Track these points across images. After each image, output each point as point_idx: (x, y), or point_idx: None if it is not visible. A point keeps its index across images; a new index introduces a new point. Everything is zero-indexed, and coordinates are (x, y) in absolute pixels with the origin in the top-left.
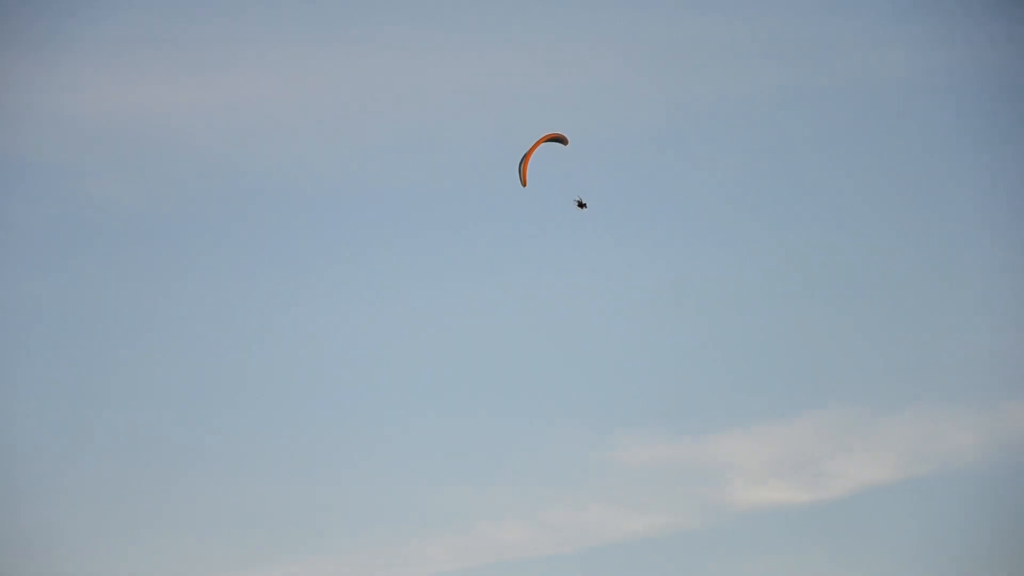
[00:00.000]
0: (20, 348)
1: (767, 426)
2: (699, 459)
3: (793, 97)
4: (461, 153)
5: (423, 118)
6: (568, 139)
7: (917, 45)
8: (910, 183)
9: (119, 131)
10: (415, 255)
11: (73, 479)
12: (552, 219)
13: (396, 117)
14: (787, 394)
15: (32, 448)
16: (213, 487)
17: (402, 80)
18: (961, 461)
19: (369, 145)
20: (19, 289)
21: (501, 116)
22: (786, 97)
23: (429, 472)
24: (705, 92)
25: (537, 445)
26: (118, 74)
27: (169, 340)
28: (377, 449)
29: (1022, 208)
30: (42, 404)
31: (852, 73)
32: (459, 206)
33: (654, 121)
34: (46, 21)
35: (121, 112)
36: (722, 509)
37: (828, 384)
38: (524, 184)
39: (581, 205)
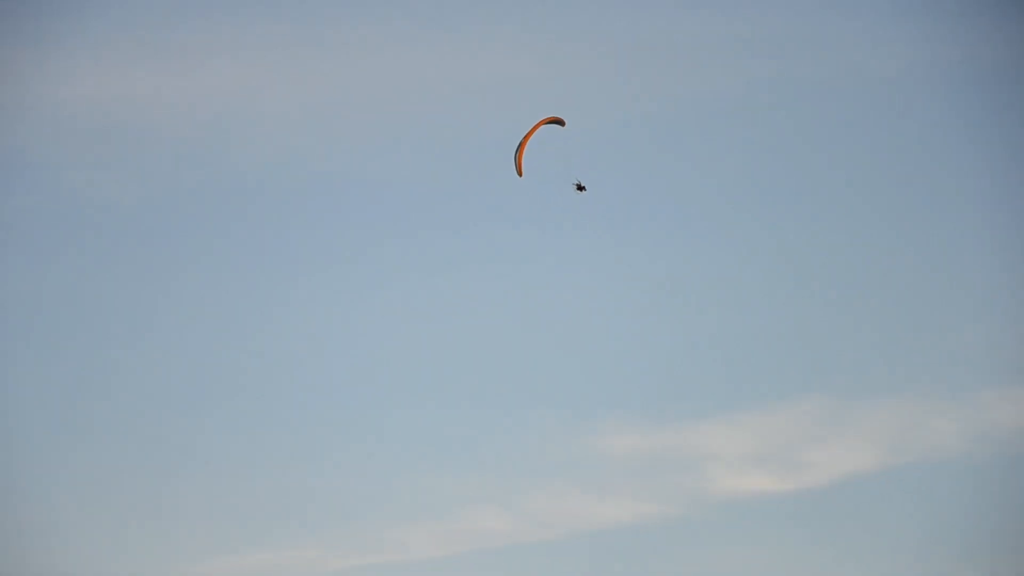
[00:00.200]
0: (7, 342)
1: (748, 415)
2: (680, 448)
3: (786, 92)
4: (452, 145)
5: (416, 111)
6: (564, 120)
7: (913, 41)
8: (895, 175)
9: (107, 124)
10: (397, 247)
11: (62, 471)
12: (536, 209)
13: (388, 110)
14: (769, 383)
15: (24, 439)
16: (194, 476)
17: (394, 73)
18: (941, 450)
19: (361, 138)
20: (5, 283)
21: (494, 110)
22: (779, 92)
23: (410, 459)
24: (699, 87)
25: (518, 433)
26: (106, 67)
27: (156, 332)
28: (359, 436)
29: (1003, 200)
30: (30, 397)
31: (847, 68)
32: (443, 198)
33: (646, 115)
34: (33, 15)
35: (109, 105)
36: (703, 498)
37: (809, 374)
38: (520, 174)
39: (580, 188)
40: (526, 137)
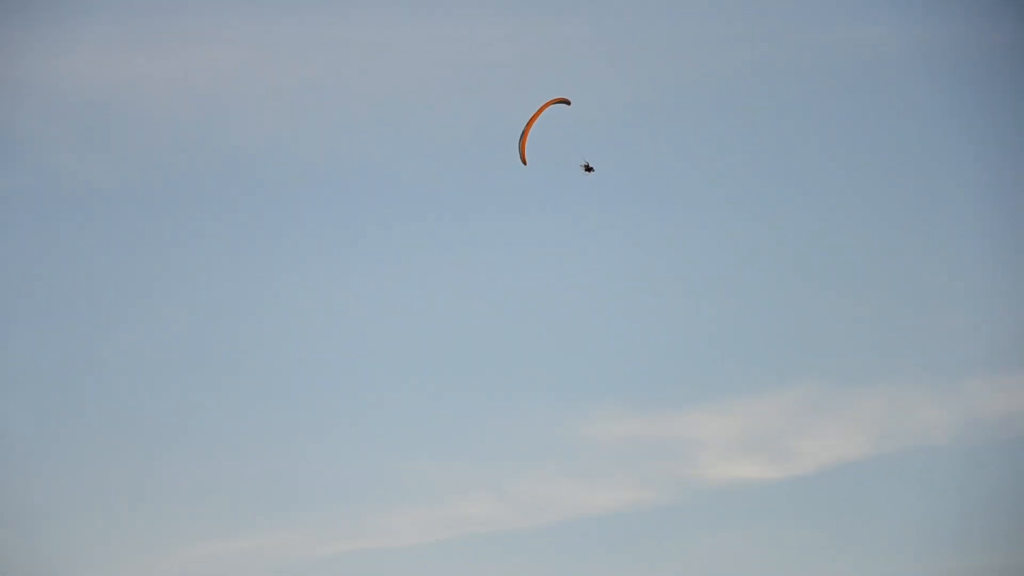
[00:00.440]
0: None
1: (738, 402)
2: (669, 435)
3: (773, 75)
4: (445, 133)
5: (411, 98)
6: (569, 100)
7: (903, 22)
8: (885, 163)
9: (98, 107)
10: (387, 235)
11: (47, 455)
12: (526, 198)
13: (383, 97)
14: (759, 370)
15: (10, 424)
16: (181, 460)
17: (389, 60)
18: (931, 437)
19: (355, 125)
20: None
21: (489, 97)
22: (766, 75)
23: (399, 445)
24: (687, 70)
25: (508, 419)
26: (98, 50)
27: (146, 316)
28: (349, 422)
29: (994, 188)
30: (18, 381)
31: (841, 54)
32: (431, 186)
33: (635, 102)
34: None
35: (100, 88)
36: (692, 485)
37: (799, 361)
38: (524, 163)
39: (588, 169)
40: (529, 124)
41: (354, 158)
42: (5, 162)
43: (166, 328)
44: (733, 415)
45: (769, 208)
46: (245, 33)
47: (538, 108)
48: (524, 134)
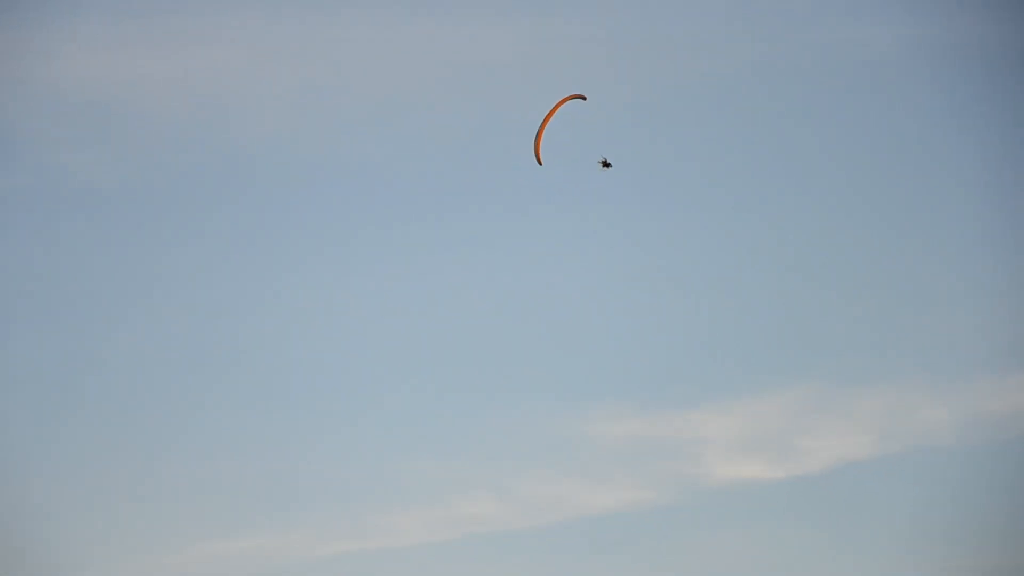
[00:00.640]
0: None
1: (740, 402)
2: (673, 434)
3: (773, 74)
4: (446, 131)
5: (412, 96)
6: (584, 95)
7: (906, 22)
8: (888, 162)
9: (98, 106)
10: (389, 234)
11: (46, 455)
12: (528, 197)
13: (384, 95)
14: (761, 369)
15: (8, 423)
16: (181, 460)
17: (390, 58)
18: (935, 437)
19: (356, 124)
20: None
21: (491, 95)
22: (766, 74)
23: (401, 445)
24: (688, 69)
25: (511, 419)
26: (98, 48)
27: (145, 316)
28: (349, 422)
29: (994, 187)
30: (17, 380)
31: (841, 50)
32: (434, 185)
33: (636, 100)
34: None
35: (100, 87)
36: (696, 484)
37: (803, 360)
38: (540, 163)
39: (606, 165)
40: (543, 123)
41: (356, 157)
42: (6, 161)
43: (167, 327)
44: (736, 415)
45: (771, 208)
46: (246, 32)
47: (553, 106)
48: (539, 134)
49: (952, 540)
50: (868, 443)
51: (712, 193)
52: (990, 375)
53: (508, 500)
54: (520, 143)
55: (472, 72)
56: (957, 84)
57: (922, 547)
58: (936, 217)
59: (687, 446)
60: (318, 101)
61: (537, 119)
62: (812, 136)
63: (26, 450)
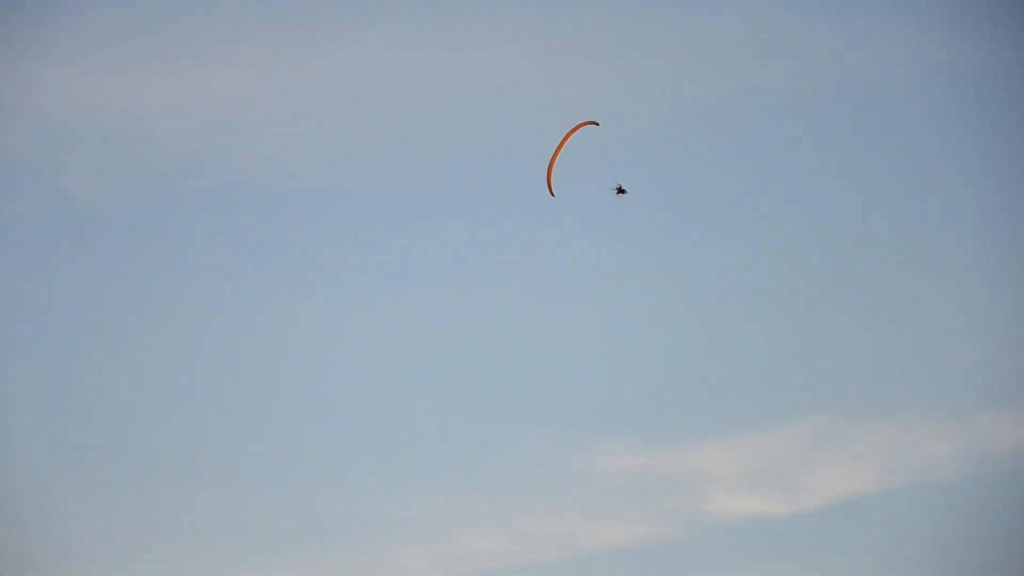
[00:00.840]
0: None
1: (744, 436)
2: (676, 469)
3: (792, 96)
4: (450, 154)
5: (414, 119)
6: (597, 121)
7: (919, 44)
8: (898, 195)
9: (94, 128)
10: (391, 261)
11: (50, 490)
12: (531, 225)
13: (386, 117)
14: (765, 404)
15: (15, 452)
16: (184, 495)
17: (392, 79)
18: (939, 471)
19: (353, 142)
20: None
21: (494, 116)
22: (784, 96)
23: (405, 480)
24: (703, 90)
25: (515, 454)
26: (92, 70)
27: (148, 340)
28: (352, 456)
29: (1004, 220)
30: (22, 409)
31: (855, 72)
32: (437, 211)
33: (649, 119)
34: (17, 15)
35: (96, 108)
36: (699, 519)
37: (806, 395)
38: (552, 194)
39: (621, 191)
40: (556, 151)
41: (360, 182)
42: (7, 187)
43: (169, 354)
44: (739, 450)
45: (777, 244)
46: (248, 57)
47: (565, 135)
48: (551, 164)
49: (957, 575)
50: (871, 478)
51: (718, 227)
52: (994, 410)
53: (513, 535)
54: (527, 168)
55: (478, 96)
56: (973, 109)
57: None
58: (943, 252)
59: (691, 481)
60: (321, 125)
61: (545, 143)
62: (820, 170)
63: (28, 485)
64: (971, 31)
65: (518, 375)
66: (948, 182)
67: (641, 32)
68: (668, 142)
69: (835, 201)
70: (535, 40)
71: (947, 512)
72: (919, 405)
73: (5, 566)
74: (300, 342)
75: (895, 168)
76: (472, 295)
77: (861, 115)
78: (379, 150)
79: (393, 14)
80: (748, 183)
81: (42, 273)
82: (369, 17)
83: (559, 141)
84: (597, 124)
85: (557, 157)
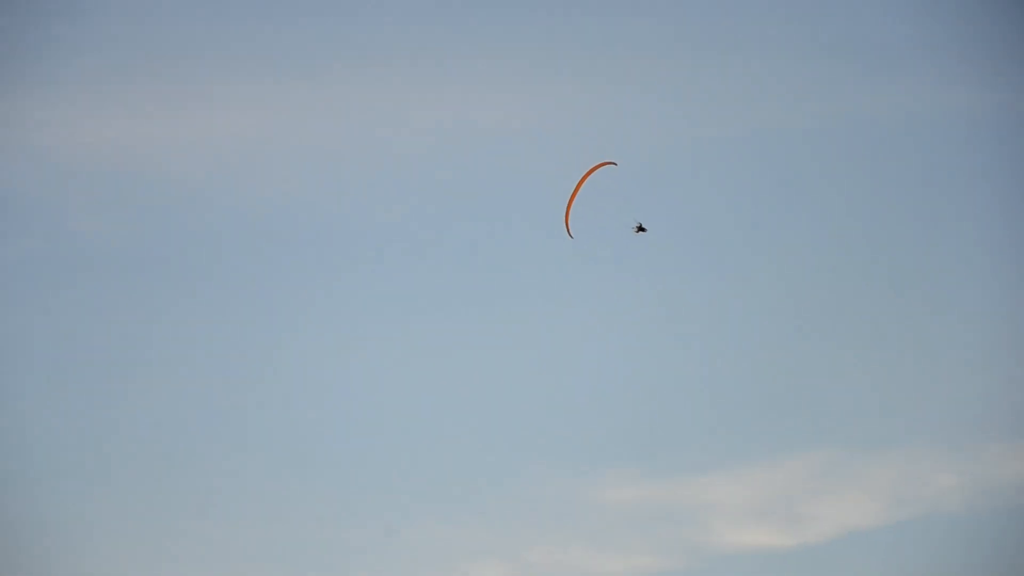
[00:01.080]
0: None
1: (750, 468)
2: (682, 500)
3: (796, 135)
4: (451, 191)
5: (417, 155)
6: (615, 162)
7: (927, 85)
8: (900, 228)
9: (100, 166)
10: (395, 294)
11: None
12: (535, 259)
13: (386, 154)
14: (771, 436)
15: (25, 485)
16: (184, 527)
17: (393, 116)
18: (945, 504)
19: (357, 181)
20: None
21: (501, 156)
22: (788, 136)
23: (409, 512)
24: (713, 129)
25: (520, 484)
26: (98, 109)
27: (153, 378)
28: (358, 489)
29: (1011, 253)
30: (26, 447)
31: (860, 110)
32: (443, 244)
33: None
34: (23, 53)
35: (102, 147)
36: (705, 551)
37: (811, 427)
38: (570, 235)
39: (640, 229)
40: (573, 193)
41: (369, 221)
42: (14, 227)
43: (177, 394)
44: (744, 481)
45: (785, 276)
46: (254, 96)
47: (582, 176)
48: (568, 205)
49: None
50: (877, 510)
51: (722, 261)
52: (1000, 442)
53: (519, 567)
54: (533, 206)
55: (489, 137)
56: (978, 147)
57: None
58: (949, 286)
59: (696, 512)
60: (326, 165)
61: (555, 183)
62: (827, 207)
63: (35, 520)
64: (979, 72)
65: (523, 407)
66: (953, 216)
67: (653, 72)
68: (674, 178)
69: (842, 236)
70: (545, 80)
71: (953, 545)
72: (925, 437)
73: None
74: (304, 377)
75: (901, 204)
76: (476, 329)
77: (867, 152)
78: (384, 189)
79: (399, 54)
80: (754, 218)
81: (47, 311)
82: (373, 57)
83: (575, 183)
84: (615, 164)
85: (575, 198)
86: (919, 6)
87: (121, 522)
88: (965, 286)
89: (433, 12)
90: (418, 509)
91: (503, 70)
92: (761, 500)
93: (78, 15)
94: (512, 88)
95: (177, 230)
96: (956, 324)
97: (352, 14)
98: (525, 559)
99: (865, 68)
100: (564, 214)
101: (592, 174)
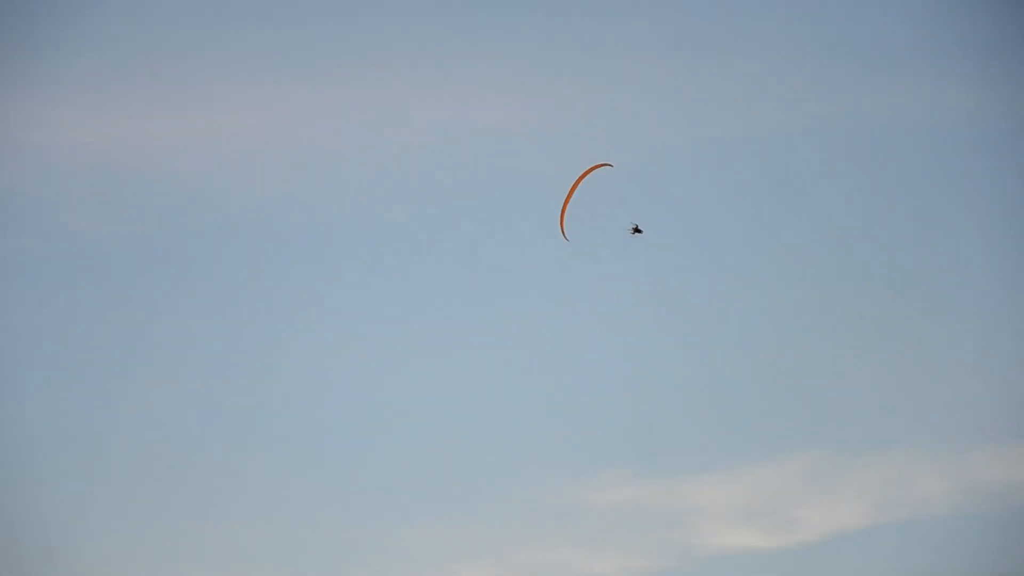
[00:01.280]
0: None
1: (739, 470)
2: (670, 502)
3: (791, 137)
4: (448, 191)
5: (415, 154)
6: (611, 163)
7: (930, 87)
8: (895, 230)
9: (97, 165)
10: (389, 295)
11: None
12: (526, 261)
13: (384, 153)
14: (759, 439)
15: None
16: (175, 525)
17: (391, 116)
18: (932, 508)
19: (355, 180)
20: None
21: (496, 156)
22: (784, 137)
23: (399, 513)
24: (713, 129)
25: (508, 485)
26: (95, 107)
27: (149, 376)
28: (346, 490)
29: (1000, 256)
30: (21, 447)
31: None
32: (436, 244)
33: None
34: (22, 53)
35: (98, 146)
36: (692, 553)
37: (800, 429)
38: (566, 238)
39: (637, 231)
40: (568, 195)
41: (365, 220)
42: (8, 224)
43: (170, 390)
44: (732, 483)
45: (773, 279)
46: (249, 95)
47: (577, 177)
48: (563, 208)
49: None
50: (865, 513)
51: (712, 263)
52: (988, 446)
53: (507, 568)
54: (529, 207)
55: (489, 136)
56: (976, 152)
57: None
58: (937, 289)
59: (684, 514)
60: (323, 163)
61: (555, 183)
62: (816, 210)
63: (32, 519)
64: (979, 73)
65: (514, 409)
66: (943, 218)
67: (653, 72)
68: (673, 178)
69: (830, 239)
70: (545, 80)
71: (940, 548)
72: (913, 441)
73: None
74: (297, 376)
75: (891, 207)
76: (468, 330)
77: (865, 153)
78: (384, 189)
79: (399, 54)
80: (742, 220)
81: (43, 309)
82: (373, 57)
83: (570, 185)
84: (611, 166)
85: (570, 201)
86: (919, 6)
87: (121, 522)
88: (958, 289)
89: (433, 12)
90: (408, 510)
91: (503, 70)
92: (750, 502)
93: (78, 15)
94: (512, 88)
95: (177, 230)
96: (946, 327)
97: (352, 14)
98: (515, 560)
99: (865, 68)
100: (559, 218)
101: (587, 176)
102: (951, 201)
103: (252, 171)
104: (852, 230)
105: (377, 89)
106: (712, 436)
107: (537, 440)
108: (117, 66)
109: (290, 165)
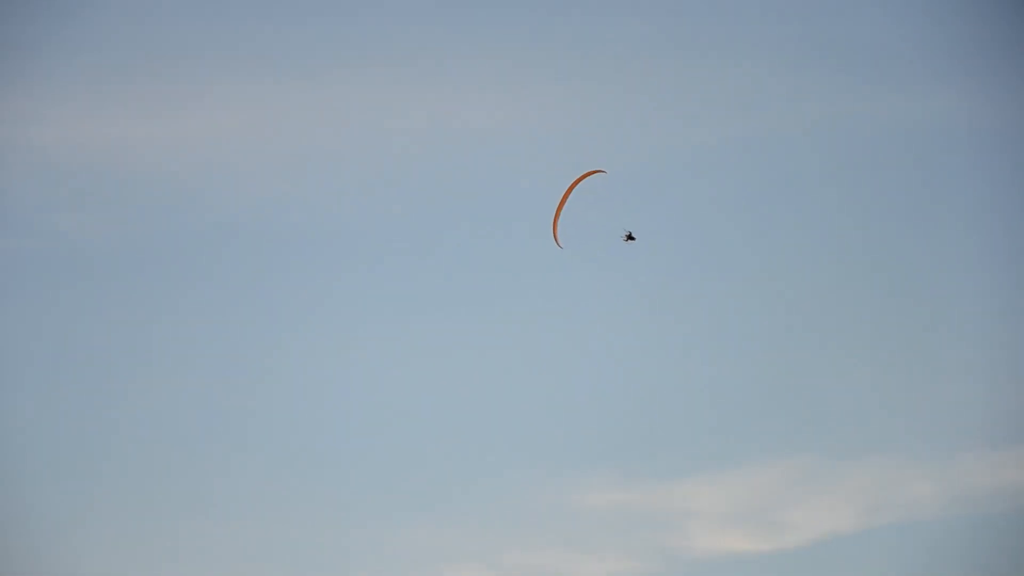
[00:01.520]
0: None
1: (728, 474)
2: (659, 505)
3: (785, 141)
4: (444, 195)
5: (404, 157)
6: (604, 169)
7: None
8: (887, 236)
9: (95, 165)
10: (379, 298)
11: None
12: (515, 264)
13: (374, 155)
14: (749, 442)
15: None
16: (167, 527)
17: (381, 118)
18: (921, 512)
19: (346, 182)
20: None
21: (489, 159)
22: (779, 141)
23: (389, 515)
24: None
25: (498, 488)
26: (86, 108)
27: (139, 377)
28: (337, 492)
29: (992, 262)
30: (19, 444)
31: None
32: (427, 247)
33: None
34: (15, 52)
35: (90, 146)
36: (680, 556)
37: (789, 433)
38: (559, 245)
39: (630, 238)
40: (561, 202)
41: (356, 222)
42: (2, 222)
43: (161, 392)
44: (722, 487)
45: (765, 284)
46: (241, 96)
47: (569, 184)
48: (556, 215)
49: None
50: (854, 517)
51: (702, 265)
52: (976, 451)
53: (496, 570)
54: (521, 210)
55: (487, 137)
56: (971, 157)
57: None
58: (927, 295)
59: (673, 517)
60: (314, 165)
61: (553, 184)
62: (810, 215)
63: (28, 523)
64: (977, 76)
65: (502, 411)
66: (936, 224)
67: (650, 75)
68: (670, 182)
69: (823, 245)
70: (543, 81)
71: (929, 552)
72: (902, 445)
73: None
74: (288, 378)
75: (885, 212)
76: (458, 331)
77: (863, 156)
78: (383, 189)
79: (398, 54)
80: (737, 225)
81: (43, 311)
82: (373, 57)
83: (563, 192)
84: (604, 172)
85: (562, 208)
86: (918, 10)
87: (120, 522)
88: (950, 296)
89: (431, 13)
90: (398, 511)
91: (502, 72)
92: (739, 505)
93: (78, 15)
94: (511, 89)
95: (176, 230)
96: (937, 333)
97: (352, 14)
98: (505, 562)
99: (862, 73)
100: (552, 224)
101: (580, 183)
102: (945, 206)
103: (250, 171)
104: (845, 237)
105: (375, 89)
106: (702, 439)
107: (528, 442)
108: (115, 66)
109: (288, 165)
